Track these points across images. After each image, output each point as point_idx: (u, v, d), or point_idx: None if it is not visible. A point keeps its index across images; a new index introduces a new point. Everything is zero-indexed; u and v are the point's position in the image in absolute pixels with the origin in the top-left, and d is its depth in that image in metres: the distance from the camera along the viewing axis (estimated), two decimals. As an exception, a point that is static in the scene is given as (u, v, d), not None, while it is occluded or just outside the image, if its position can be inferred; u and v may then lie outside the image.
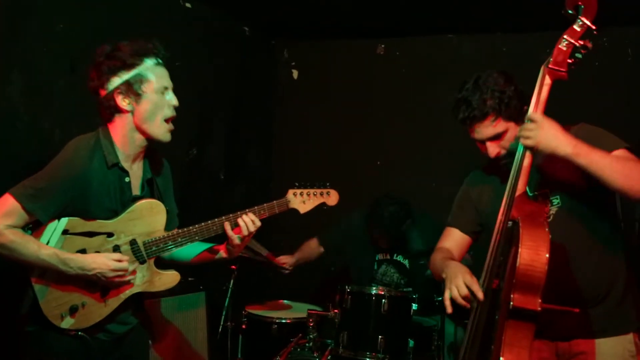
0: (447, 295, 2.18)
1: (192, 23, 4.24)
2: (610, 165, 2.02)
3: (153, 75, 2.34)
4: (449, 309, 2.17)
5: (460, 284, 2.15)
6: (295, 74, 5.32)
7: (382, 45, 5.02)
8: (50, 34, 3.15)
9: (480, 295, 2.12)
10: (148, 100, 2.33)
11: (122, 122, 2.35)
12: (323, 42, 5.18)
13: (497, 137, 2.29)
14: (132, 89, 2.30)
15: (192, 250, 2.60)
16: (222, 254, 2.59)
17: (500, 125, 2.27)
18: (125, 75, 2.30)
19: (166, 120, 2.38)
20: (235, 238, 2.47)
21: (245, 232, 2.47)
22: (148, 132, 2.36)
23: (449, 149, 4.69)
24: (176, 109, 2.42)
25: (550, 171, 2.29)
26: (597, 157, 2.03)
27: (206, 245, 2.62)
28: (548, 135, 2.04)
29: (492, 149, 2.30)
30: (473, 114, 2.26)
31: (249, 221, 2.46)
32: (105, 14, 3.49)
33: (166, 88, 2.38)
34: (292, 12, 4.58)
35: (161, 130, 2.38)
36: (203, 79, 4.40)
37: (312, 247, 4.26)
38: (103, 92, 2.33)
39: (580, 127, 2.28)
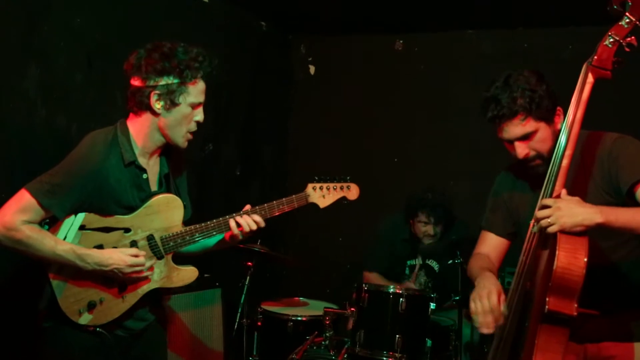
0: (472, 307, 2.14)
1: (208, 18, 4.22)
2: None
3: (195, 90, 2.32)
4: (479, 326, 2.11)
5: (485, 305, 2.10)
6: (312, 69, 5.29)
7: (401, 41, 4.97)
8: (67, 28, 3.14)
9: (500, 321, 2.08)
10: (180, 111, 2.31)
11: (147, 120, 2.33)
12: (340, 37, 5.14)
13: (526, 137, 2.20)
14: (170, 96, 2.27)
15: (206, 242, 2.57)
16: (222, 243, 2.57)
17: (530, 125, 2.18)
18: (172, 81, 2.27)
19: (188, 132, 2.37)
20: (238, 234, 2.45)
21: (246, 230, 2.44)
22: (169, 137, 2.35)
23: (467, 146, 4.64)
24: None
25: (581, 174, 2.22)
26: (628, 218, 1.98)
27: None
28: (569, 213, 1.95)
29: (521, 150, 2.21)
30: (502, 112, 2.17)
31: (251, 222, 2.44)
32: (122, 9, 3.48)
33: (199, 104, 2.36)
34: (309, 7, 4.55)
35: (182, 140, 2.37)
36: (219, 74, 4.37)
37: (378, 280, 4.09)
38: (138, 84, 2.29)
39: (617, 139, 2.20)
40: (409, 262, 4.14)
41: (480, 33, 4.74)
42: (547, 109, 2.19)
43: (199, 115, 2.37)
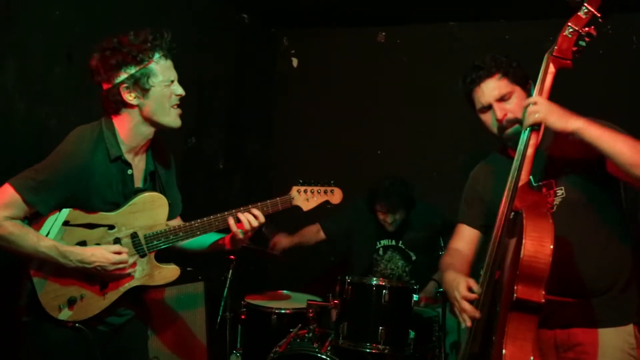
0: (456, 311, 2.22)
1: (190, 10, 4.19)
2: (623, 142, 2.02)
3: (160, 68, 2.30)
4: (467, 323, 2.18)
5: (458, 300, 2.19)
6: (294, 62, 5.27)
7: (383, 33, 4.97)
8: (46, 20, 3.10)
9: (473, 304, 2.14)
10: (155, 94, 2.29)
11: (129, 116, 2.32)
12: (323, 30, 5.13)
13: (503, 98, 2.30)
14: (138, 83, 2.26)
15: (205, 240, 2.59)
16: (225, 246, 2.59)
17: (506, 85, 2.29)
18: (132, 70, 2.26)
19: (173, 106, 2.35)
20: (238, 233, 2.47)
21: (247, 227, 2.46)
22: (158, 122, 2.34)
23: (451, 138, 4.66)
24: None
25: (555, 161, 2.27)
26: (607, 133, 2.03)
27: (218, 236, 2.60)
28: (555, 110, 2.06)
29: (500, 111, 2.29)
30: (480, 73, 2.31)
31: (251, 218, 2.46)
32: (101, 1, 3.44)
33: (172, 80, 2.34)
34: (291, 0, 4.53)
35: (171, 117, 2.36)
36: (202, 67, 4.35)
37: (313, 231, 4.25)
38: (107, 86, 2.29)
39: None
40: (382, 242, 4.15)
41: (463, 25, 4.75)
42: (521, 75, 2.32)
43: (178, 89, 2.36)
